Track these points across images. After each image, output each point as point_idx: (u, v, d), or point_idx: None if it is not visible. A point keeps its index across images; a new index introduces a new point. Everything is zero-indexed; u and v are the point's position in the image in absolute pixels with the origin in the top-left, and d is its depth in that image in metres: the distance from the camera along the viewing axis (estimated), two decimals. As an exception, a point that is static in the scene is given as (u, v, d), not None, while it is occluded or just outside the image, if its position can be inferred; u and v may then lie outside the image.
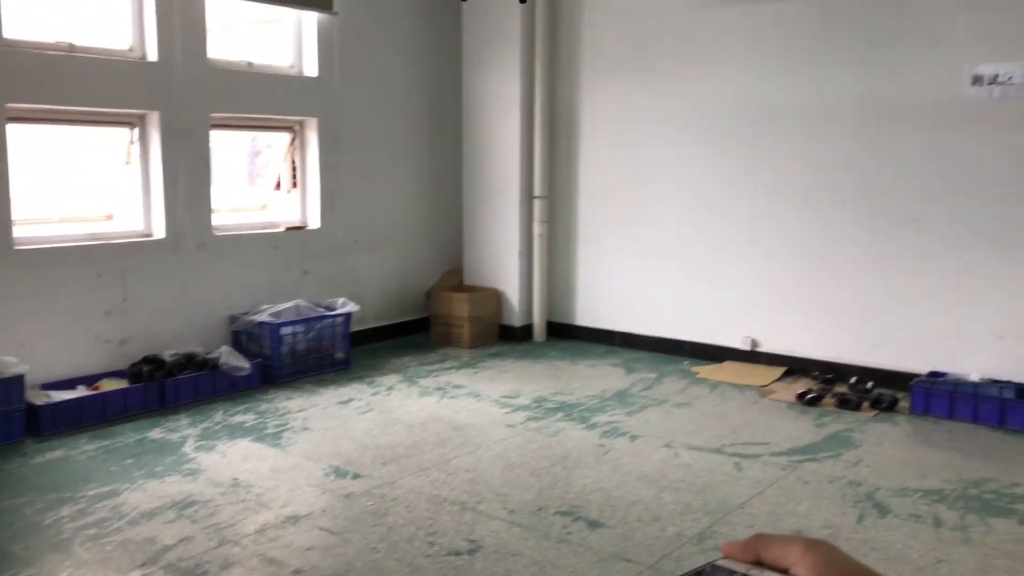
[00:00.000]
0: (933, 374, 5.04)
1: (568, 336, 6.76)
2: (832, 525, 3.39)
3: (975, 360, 5.00)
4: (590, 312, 6.67)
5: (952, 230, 5.04)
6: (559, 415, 4.82)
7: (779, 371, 5.64)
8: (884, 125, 5.21)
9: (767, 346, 5.82)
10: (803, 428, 4.60)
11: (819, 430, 4.57)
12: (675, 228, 6.12)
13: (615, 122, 6.35)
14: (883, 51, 5.18)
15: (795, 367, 5.65)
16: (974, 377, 4.88)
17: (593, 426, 4.62)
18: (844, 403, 4.92)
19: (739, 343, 5.90)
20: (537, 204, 6.58)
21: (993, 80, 4.82)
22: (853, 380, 5.26)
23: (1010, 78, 4.76)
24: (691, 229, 6.05)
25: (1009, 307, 4.90)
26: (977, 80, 4.87)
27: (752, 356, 5.86)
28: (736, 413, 4.87)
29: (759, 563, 0.61)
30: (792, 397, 5.10)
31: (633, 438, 4.43)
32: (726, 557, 0.62)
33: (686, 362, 6.01)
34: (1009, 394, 4.63)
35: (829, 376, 5.37)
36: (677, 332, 6.20)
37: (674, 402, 5.08)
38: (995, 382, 4.79)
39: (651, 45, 6.11)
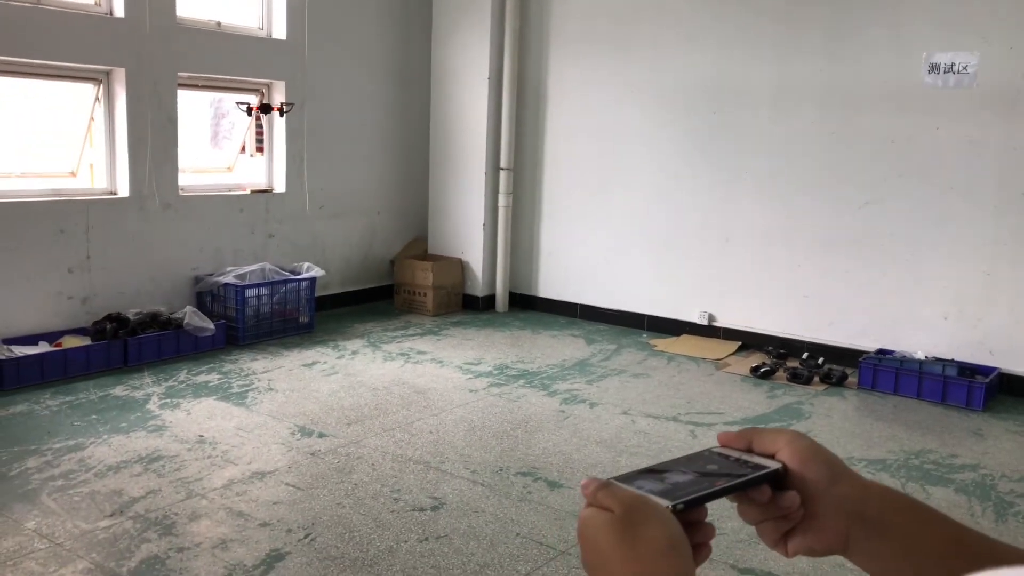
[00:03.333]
0: (881, 351, 5.24)
1: (530, 307, 6.86)
2: (780, 490, 3.54)
3: (921, 339, 5.20)
4: (552, 284, 6.77)
5: (904, 213, 5.23)
6: (520, 382, 4.92)
7: (734, 345, 5.80)
8: (844, 109, 5.36)
9: (723, 321, 5.98)
10: (756, 400, 4.77)
11: (771, 402, 4.74)
12: (638, 203, 6.24)
13: (582, 96, 6.42)
14: (845, 37, 5.32)
15: (750, 342, 5.82)
16: (920, 355, 5.09)
17: (554, 393, 4.73)
18: (795, 377, 5.10)
19: (697, 318, 6.05)
20: (503, 176, 6.65)
21: (949, 68, 4.98)
22: (805, 355, 5.45)
23: (965, 67, 4.93)
24: (653, 204, 6.17)
25: (956, 289, 5.11)
26: (934, 68, 5.03)
27: (709, 330, 6.02)
28: (692, 384, 5.03)
29: (750, 451, 0.71)
30: (746, 370, 5.26)
31: (592, 405, 4.55)
32: (722, 445, 0.73)
33: (645, 335, 6.16)
34: (952, 372, 4.84)
35: (782, 351, 5.55)
36: (637, 306, 6.33)
37: (632, 372, 5.22)
38: (939, 360, 5.00)
39: (620, 20, 6.18)
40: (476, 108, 6.61)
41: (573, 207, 6.57)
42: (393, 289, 6.84)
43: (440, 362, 5.28)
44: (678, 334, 6.09)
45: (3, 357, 4.42)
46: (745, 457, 0.70)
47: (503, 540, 3.02)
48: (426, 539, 3.00)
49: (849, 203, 5.40)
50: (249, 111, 5.88)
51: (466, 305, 6.82)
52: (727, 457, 0.70)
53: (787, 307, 5.70)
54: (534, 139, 6.70)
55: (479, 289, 6.80)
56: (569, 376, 5.08)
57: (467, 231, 6.80)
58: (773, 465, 0.68)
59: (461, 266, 6.82)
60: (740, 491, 0.66)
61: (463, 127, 6.71)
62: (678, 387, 4.96)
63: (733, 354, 5.68)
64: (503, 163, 6.63)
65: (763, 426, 0.73)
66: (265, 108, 5.97)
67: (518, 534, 3.07)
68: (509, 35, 6.49)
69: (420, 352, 5.50)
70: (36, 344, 4.71)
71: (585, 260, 6.56)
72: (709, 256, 5.97)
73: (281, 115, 6.02)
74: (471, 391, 4.72)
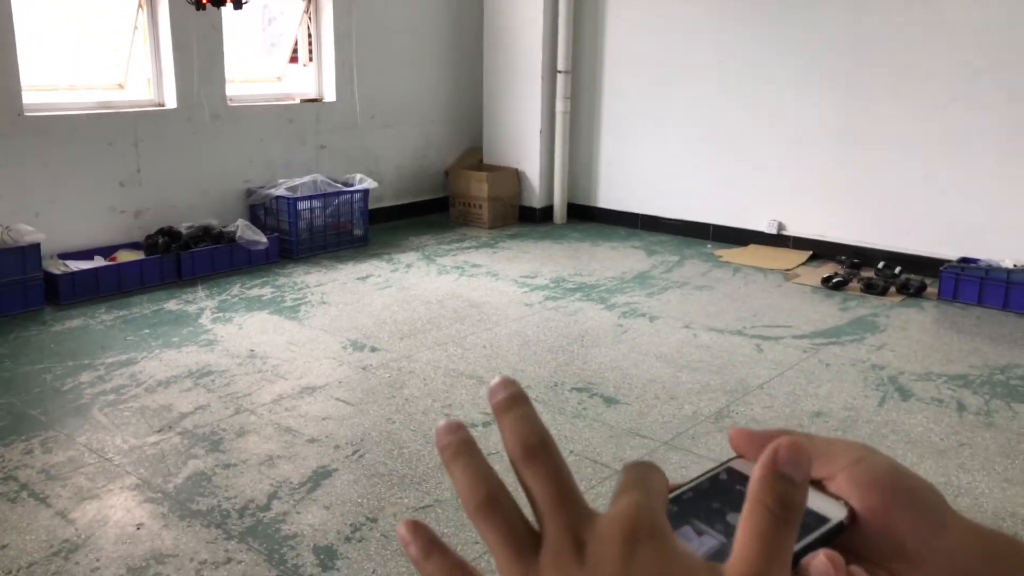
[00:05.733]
0: (964, 260, 4.89)
1: (589, 218, 6.64)
2: (853, 407, 3.34)
3: (1010, 247, 4.84)
4: (612, 194, 6.52)
5: (994, 111, 4.79)
6: (577, 295, 4.75)
7: (805, 255, 5.51)
8: (932, -4, 4.89)
9: (793, 230, 5.67)
10: (827, 312, 4.51)
11: (843, 314, 4.48)
12: (704, 106, 5.89)
13: (645, -8, 6.02)
14: (937, -87, 4.81)
15: (822, 251, 5.52)
16: (1007, 263, 4.74)
17: (612, 307, 4.56)
18: (870, 288, 4.81)
19: (765, 226, 5.76)
20: (560, 79, 6.34)
21: (1055, -54, 4.47)
22: (881, 265, 5.14)
23: (1074, -57, 4.41)
24: (720, 107, 5.81)
25: (1050, 192, 4.71)
26: (1038, -54, 4.52)
27: (778, 240, 5.72)
28: (758, 296, 4.79)
29: None
30: (817, 281, 4.99)
31: (652, 319, 4.37)
32: (738, 454, 0.46)
33: (709, 245, 5.90)
34: (1042, 282, 4.50)
35: (856, 261, 5.25)
36: (701, 215, 6.05)
37: (695, 284, 5.00)
38: (1029, 269, 4.65)
39: (686, -93, 5.72)
40: (531, 7, 6.27)
41: (635, 111, 6.25)
42: (448, 201, 6.68)
43: (495, 275, 5.14)
44: (745, 244, 5.81)
45: (58, 272, 4.42)
46: None
47: (556, 458, 2.90)
48: (476, 457, 2.90)
49: (933, 101, 4.98)
50: (199, 5, 4.90)
51: (523, 217, 6.63)
52: None
53: (862, 214, 5.36)
54: (593, 39, 6.35)
55: (536, 200, 6.59)
56: (628, 289, 4.89)
57: (523, 139, 6.55)
58: (834, 513, 0.41)
59: (517, 176, 6.60)
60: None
61: (518, 28, 6.38)
62: (744, 299, 4.73)
63: (803, 264, 5.40)
64: (560, 66, 6.31)
65: (807, 432, 0.45)
66: (216, 1, 4.93)
67: (572, 451, 2.94)
68: (566, -73, 6.09)
69: (475, 265, 5.35)
70: (91, 259, 4.71)
71: (647, 168, 6.26)
72: (779, 161, 5.63)
73: (237, 8, 4.97)
74: (526, 305, 4.57)
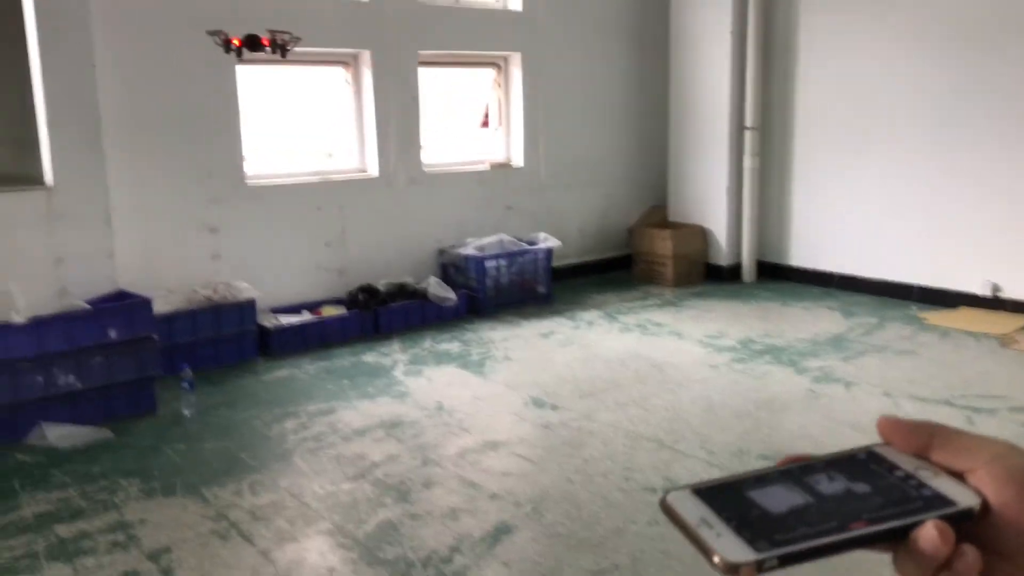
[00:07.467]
0: None
1: (780, 277, 6.41)
2: (1083, 491, 2.98)
3: None
4: (805, 251, 6.27)
5: None
6: (766, 358, 4.58)
7: (1024, 319, 5.05)
8: None
9: (1012, 291, 5.21)
10: (1051, 382, 4.09)
11: (1071, 385, 4.04)
12: (905, 158, 5.57)
13: (836, 44, 5.83)
14: None
15: (1044, 315, 5.03)
16: None
17: (803, 371, 4.36)
18: (1104, 357, 4.32)
19: (978, 288, 5.32)
20: (748, 136, 6.22)
21: None
22: (1117, 332, 4.61)
23: None
24: (924, 159, 5.48)
25: None
26: None
27: (993, 303, 5.27)
28: (970, 363, 4.42)
29: (926, 459, 0.47)
30: (1039, 348, 4.55)
31: (848, 385, 4.13)
32: (885, 441, 0.48)
33: (914, 307, 5.52)
34: None
35: (1086, 326, 4.74)
36: (904, 275, 5.69)
37: (897, 349, 4.69)
38: None
39: (884, -44, 5.51)
40: (718, 65, 6.23)
41: (828, 166, 6.02)
42: (631, 259, 6.68)
43: (679, 335, 5.06)
44: (954, 307, 5.40)
45: (270, 326, 4.81)
46: (920, 473, 0.45)
47: (740, 529, 2.78)
48: (656, 522, 2.84)
49: None
50: (229, 47, 4.57)
51: (709, 275, 6.50)
52: (891, 468, 0.46)
53: (1093, 274, 4.84)
54: (783, 94, 6.20)
55: (723, 258, 6.45)
56: (822, 352, 4.66)
57: (709, 196, 6.46)
58: (965, 500, 0.43)
59: (703, 234, 6.50)
60: (897, 537, 0.42)
61: (704, 86, 6.36)
62: (953, 366, 4.37)
63: (1023, 329, 4.94)
64: (748, 122, 6.21)
65: (955, 427, 0.47)
66: (251, 41, 4.61)
67: (758, 523, 2.81)
68: (754, -16, 6.04)
69: (658, 324, 5.30)
70: (299, 313, 5.08)
71: (843, 224, 5.99)
72: (994, 217, 5.21)
73: (277, 52, 4.66)
74: (711, 367, 4.46)
